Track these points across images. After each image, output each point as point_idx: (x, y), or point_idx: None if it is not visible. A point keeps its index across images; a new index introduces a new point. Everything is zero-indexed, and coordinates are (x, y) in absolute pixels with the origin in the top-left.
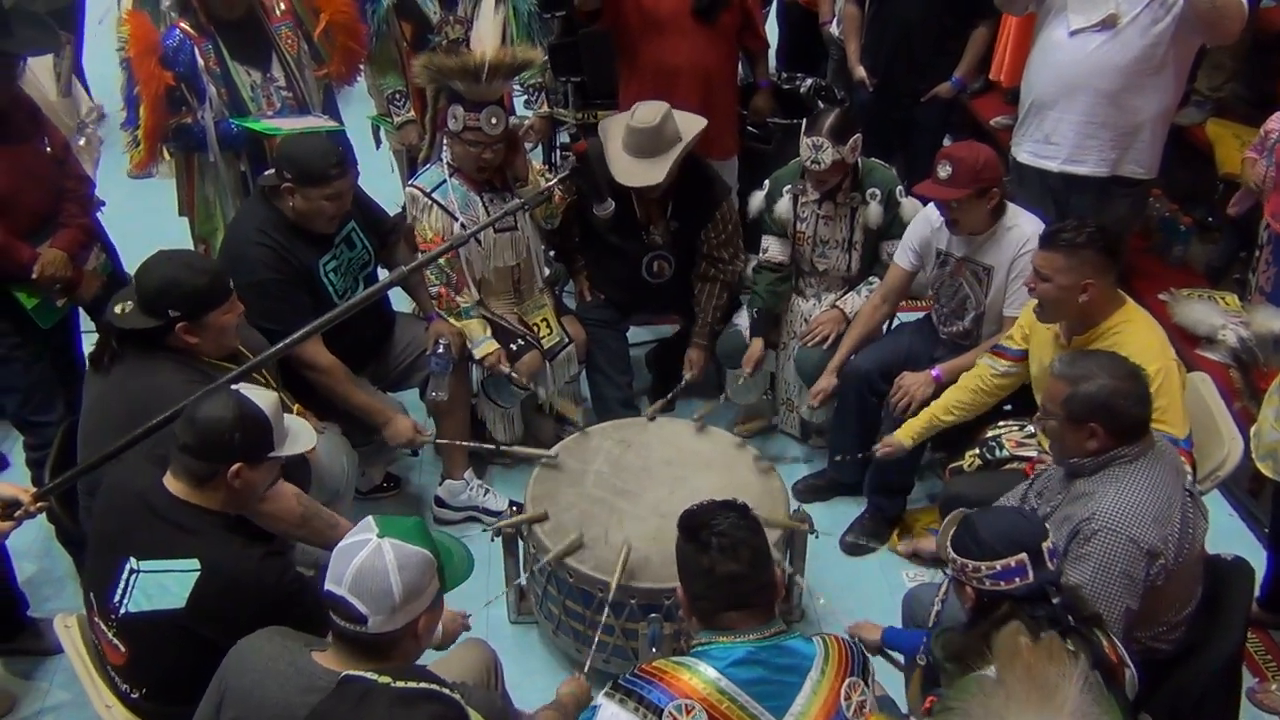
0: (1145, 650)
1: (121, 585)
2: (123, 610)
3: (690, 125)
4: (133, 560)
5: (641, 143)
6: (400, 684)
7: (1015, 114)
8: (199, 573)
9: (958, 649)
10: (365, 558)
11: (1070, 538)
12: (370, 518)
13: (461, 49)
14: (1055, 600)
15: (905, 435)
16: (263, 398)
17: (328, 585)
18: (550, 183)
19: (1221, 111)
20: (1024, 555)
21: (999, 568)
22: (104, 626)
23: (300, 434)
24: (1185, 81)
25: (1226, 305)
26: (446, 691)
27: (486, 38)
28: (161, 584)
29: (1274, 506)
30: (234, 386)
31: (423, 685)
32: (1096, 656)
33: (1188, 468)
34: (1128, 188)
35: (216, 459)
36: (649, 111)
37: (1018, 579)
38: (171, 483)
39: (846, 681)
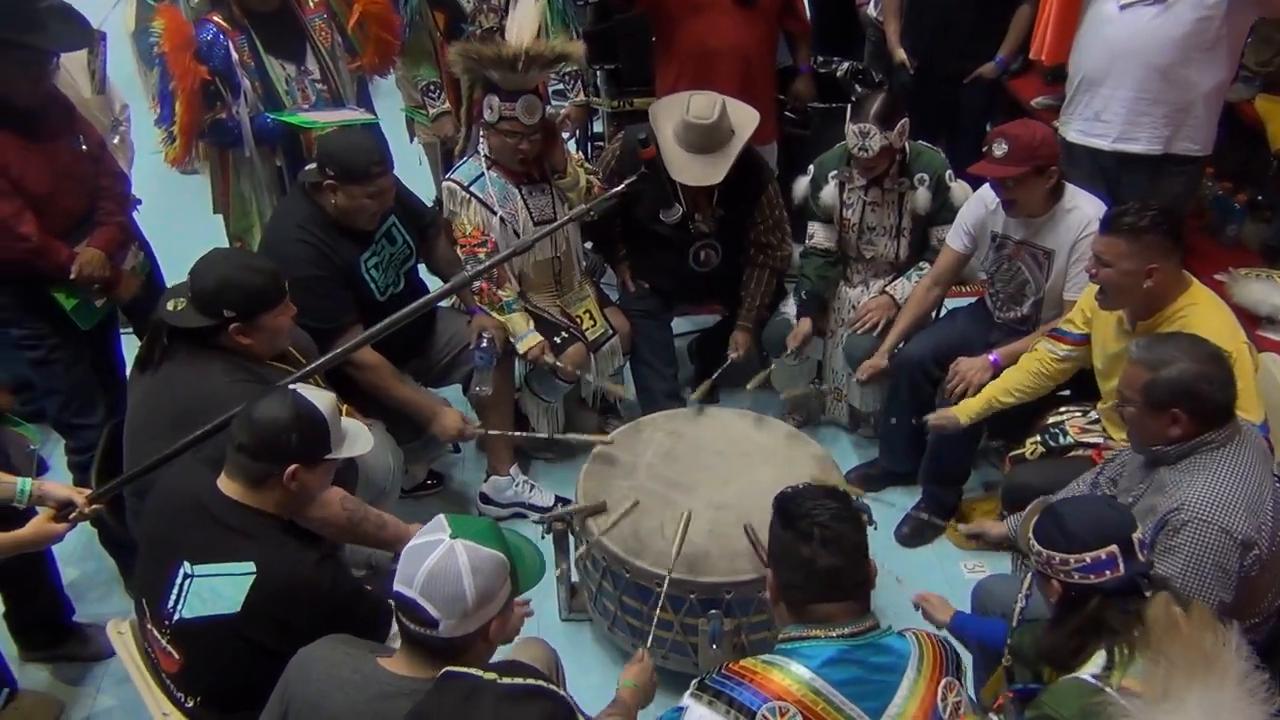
0: None
1: (175, 590)
2: (176, 616)
3: (743, 118)
4: (186, 564)
5: (698, 139)
6: (506, 680)
7: (1057, 93)
8: (254, 576)
9: (1047, 646)
10: (438, 559)
11: (1157, 529)
12: (442, 516)
13: (497, 38)
14: (1148, 594)
15: (963, 413)
16: (321, 398)
17: (397, 586)
18: (619, 189)
19: (1270, 87)
20: (1114, 547)
21: (1088, 560)
22: (157, 633)
23: (358, 436)
24: (1239, 56)
25: None
26: (553, 688)
27: (525, 26)
28: (215, 588)
29: None
30: (292, 386)
31: (529, 682)
32: None
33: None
34: (1181, 165)
35: (273, 459)
36: (704, 105)
37: (1108, 571)
38: (226, 484)
39: (943, 682)
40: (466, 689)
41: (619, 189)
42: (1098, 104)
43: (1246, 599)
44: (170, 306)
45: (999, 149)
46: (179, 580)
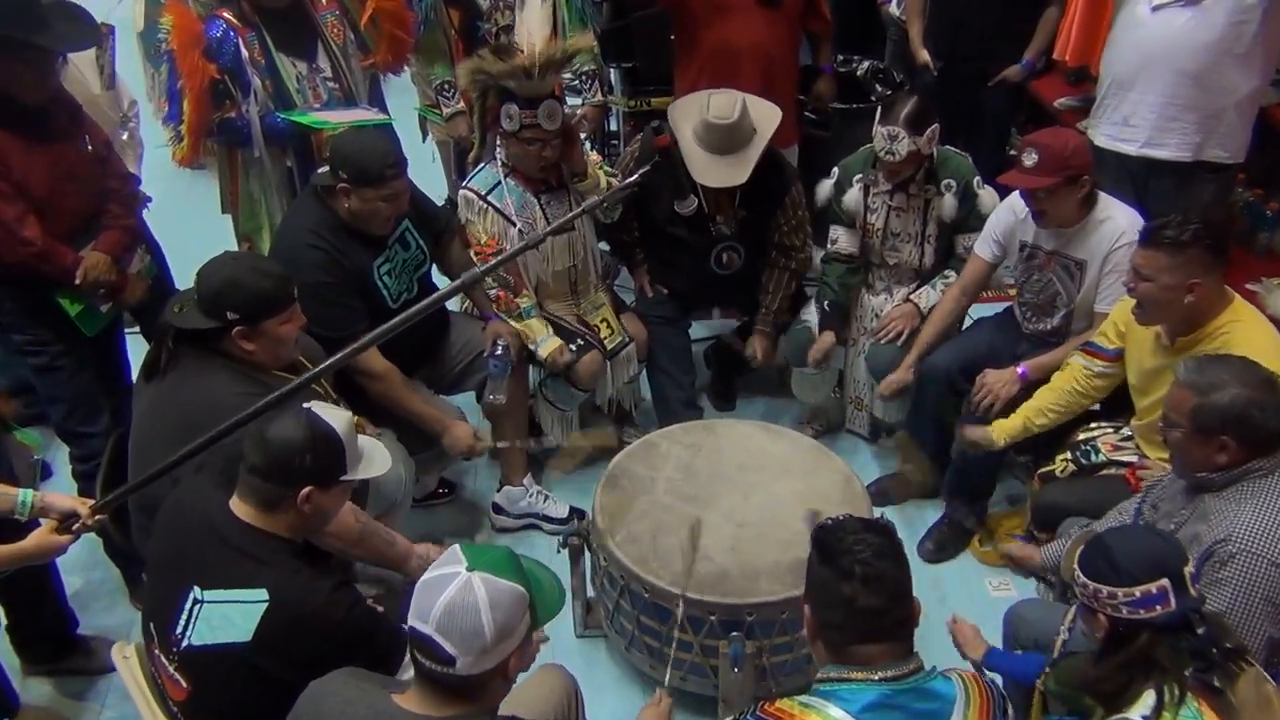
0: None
1: (185, 616)
2: (185, 643)
3: (765, 116)
4: (197, 589)
5: (720, 140)
6: None
7: (1080, 95)
8: (266, 604)
9: (1093, 679)
10: (454, 594)
11: (1202, 560)
12: (457, 547)
13: (513, 42)
14: (1200, 630)
15: (1000, 434)
16: (336, 417)
17: (412, 622)
18: (632, 178)
19: None
20: (1165, 581)
21: (1138, 595)
22: (165, 659)
23: (375, 456)
24: (1276, 61)
25: None
26: None
27: (535, 29)
28: (226, 615)
29: None
30: (306, 405)
31: None
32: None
33: None
34: (1212, 173)
35: (287, 482)
36: (725, 105)
37: (1158, 607)
38: (239, 506)
39: None
40: None
41: (633, 179)
42: (1126, 108)
43: None
44: (175, 308)
45: (1029, 159)
46: (188, 605)
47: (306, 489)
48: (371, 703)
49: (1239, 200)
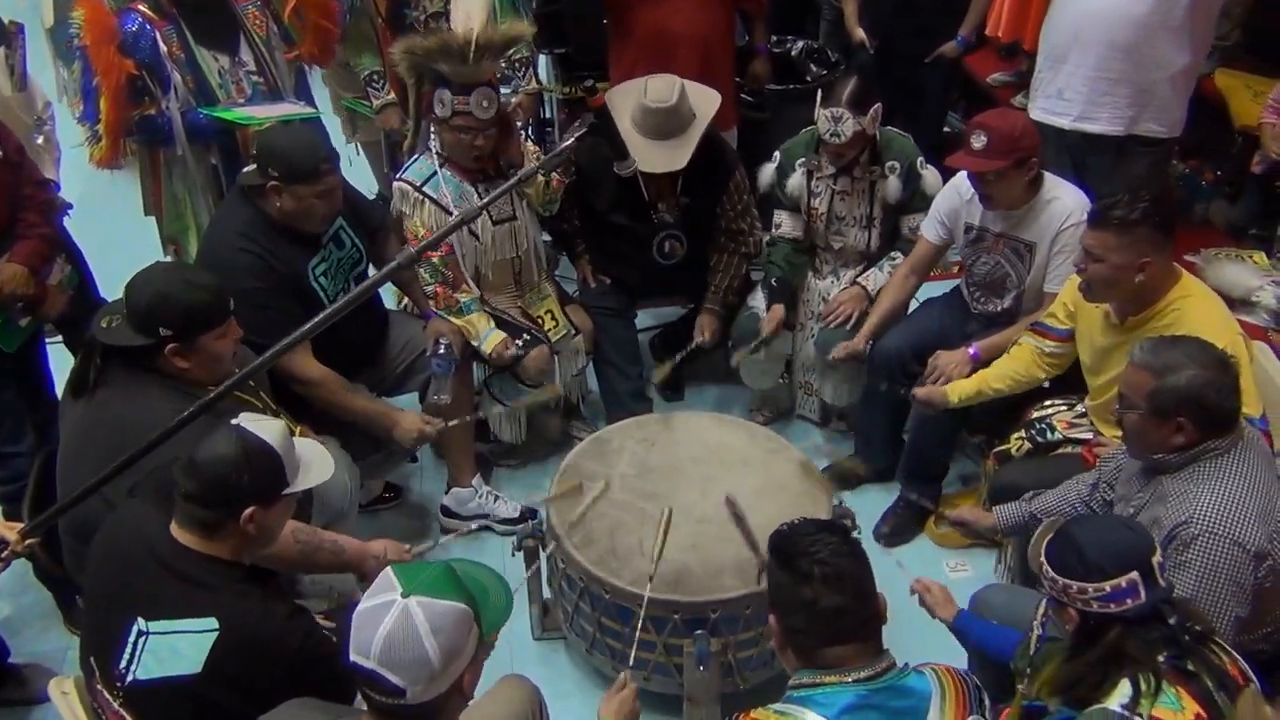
0: (1242, 656)
1: (129, 649)
2: (130, 678)
3: (703, 99)
4: (140, 621)
5: (659, 124)
6: None
7: (1013, 70)
8: (217, 633)
9: (1068, 678)
10: (392, 624)
11: (1165, 544)
12: (389, 571)
13: (442, 24)
14: (1171, 620)
15: (954, 393)
16: (268, 429)
17: (353, 658)
18: (568, 142)
19: (1229, 61)
20: (1135, 574)
21: (1108, 589)
22: (108, 695)
23: (314, 462)
24: (1211, 36)
25: (1256, 264)
26: None
27: (473, 12)
28: (174, 647)
29: None
30: (235, 421)
31: None
32: (1219, 678)
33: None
34: (1146, 147)
35: (227, 505)
36: (663, 89)
37: (1129, 600)
38: (179, 533)
39: None
40: None
41: (569, 142)
42: (1061, 81)
43: (1259, 611)
44: (105, 324)
45: (978, 141)
46: (132, 638)
47: (249, 509)
48: None
49: (1175, 172)
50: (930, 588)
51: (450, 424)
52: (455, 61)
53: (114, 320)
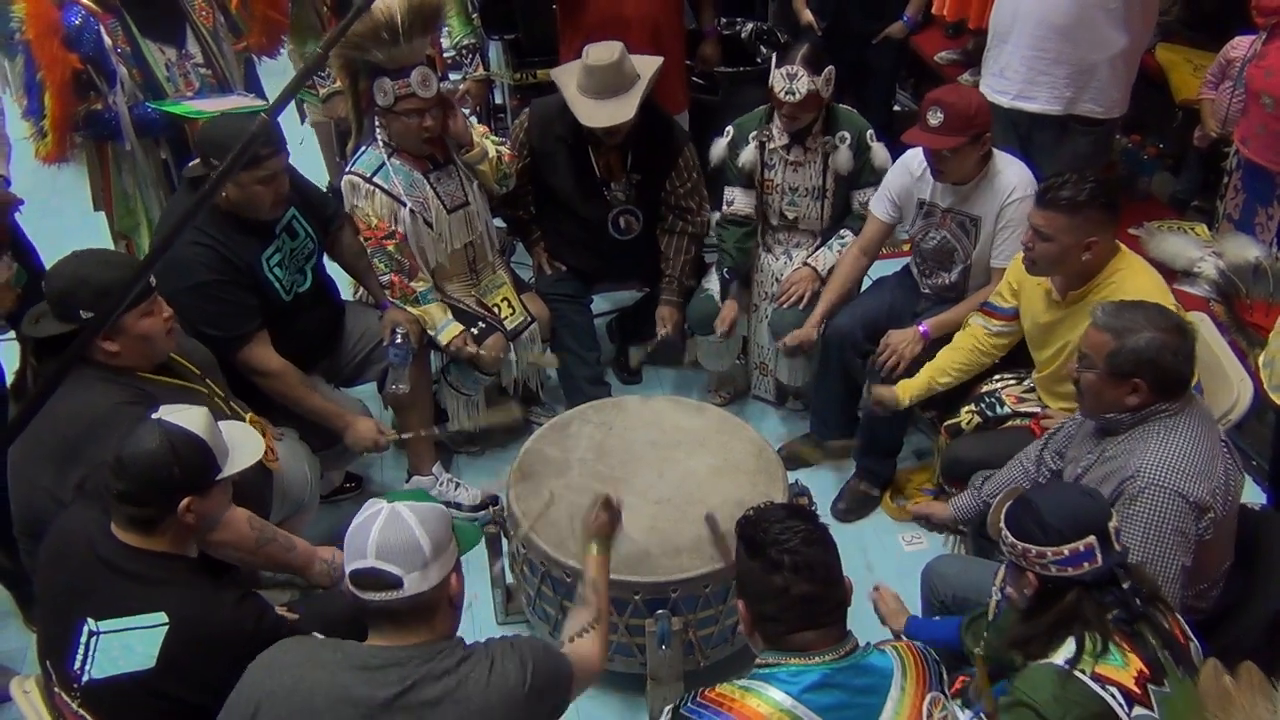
0: (1183, 612)
1: (81, 650)
2: (85, 678)
3: (646, 64)
4: (90, 621)
5: (604, 81)
6: None
7: (959, 48)
8: (167, 627)
9: (1021, 637)
10: (383, 522)
11: (1113, 500)
12: (373, 498)
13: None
14: (1125, 585)
15: (904, 392)
16: (190, 418)
17: (350, 565)
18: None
19: (1169, 36)
20: (1092, 538)
21: (1066, 553)
22: (66, 697)
23: (243, 442)
24: (1154, 17)
25: (1198, 236)
26: None
27: None
28: (126, 644)
29: (1276, 440)
30: (155, 415)
31: None
32: (1165, 637)
33: None
34: (1087, 126)
35: (161, 500)
36: (604, 51)
37: (1086, 564)
38: (119, 532)
39: (928, 698)
40: None
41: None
42: (1003, 60)
43: (1199, 566)
44: (33, 320)
45: (934, 118)
46: (84, 639)
47: (185, 500)
48: (335, 645)
49: (1118, 146)
50: (884, 597)
51: (404, 436)
52: (387, 46)
53: (41, 316)
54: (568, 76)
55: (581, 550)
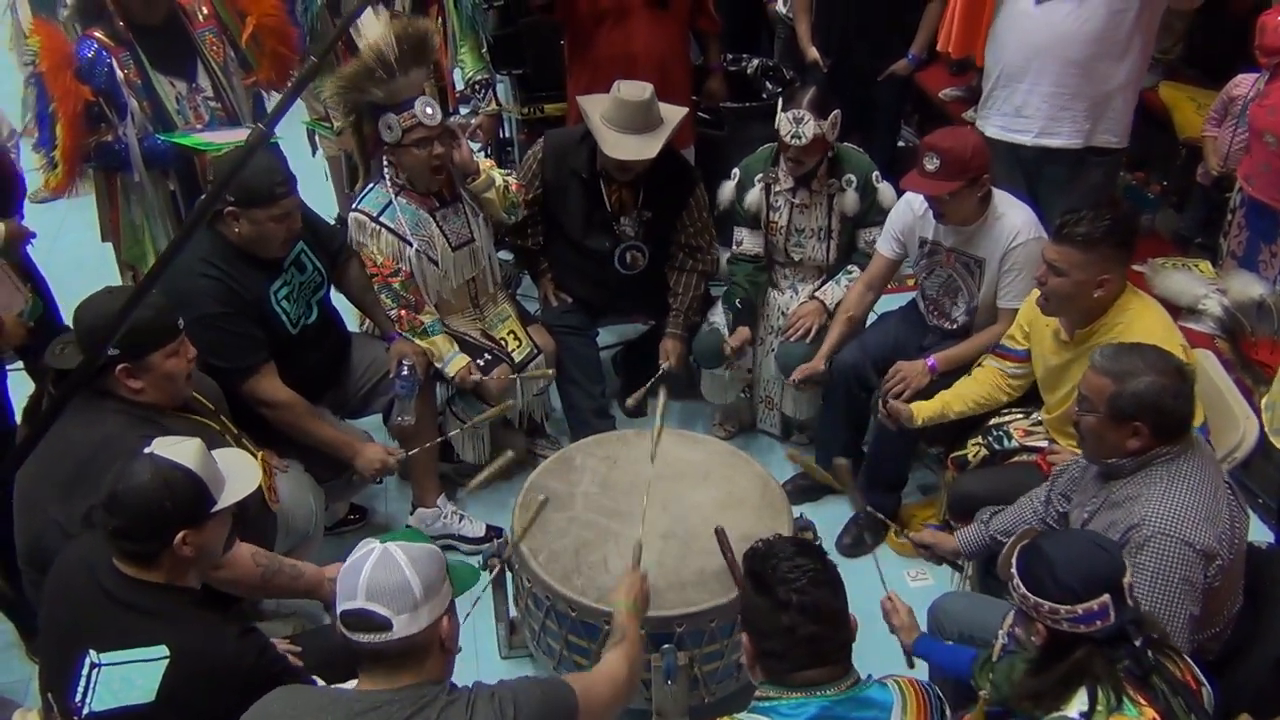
0: (1193, 655)
1: (82, 682)
2: (86, 710)
3: (670, 110)
4: (92, 653)
5: (632, 117)
6: None
7: (964, 85)
8: (168, 660)
9: (1032, 690)
10: (375, 563)
11: (1119, 547)
12: (367, 539)
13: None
14: (1137, 641)
15: (919, 414)
16: (183, 451)
17: (341, 605)
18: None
19: (1172, 74)
20: (1106, 597)
21: (1080, 611)
22: None
23: (239, 473)
24: (1151, 48)
25: (1202, 273)
26: None
27: (369, 26)
28: (126, 677)
29: None
30: (148, 449)
31: None
32: (1175, 685)
33: None
34: (1101, 157)
35: (155, 535)
36: (636, 88)
37: (1099, 622)
38: (121, 563)
39: None
40: None
41: None
42: (1018, 99)
43: (1208, 611)
44: (56, 351)
45: (930, 163)
46: (85, 671)
47: (180, 533)
48: (325, 690)
49: (1122, 183)
50: (899, 609)
51: (412, 452)
52: (384, 83)
53: (65, 347)
54: (593, 106)
55: (616, 604)
